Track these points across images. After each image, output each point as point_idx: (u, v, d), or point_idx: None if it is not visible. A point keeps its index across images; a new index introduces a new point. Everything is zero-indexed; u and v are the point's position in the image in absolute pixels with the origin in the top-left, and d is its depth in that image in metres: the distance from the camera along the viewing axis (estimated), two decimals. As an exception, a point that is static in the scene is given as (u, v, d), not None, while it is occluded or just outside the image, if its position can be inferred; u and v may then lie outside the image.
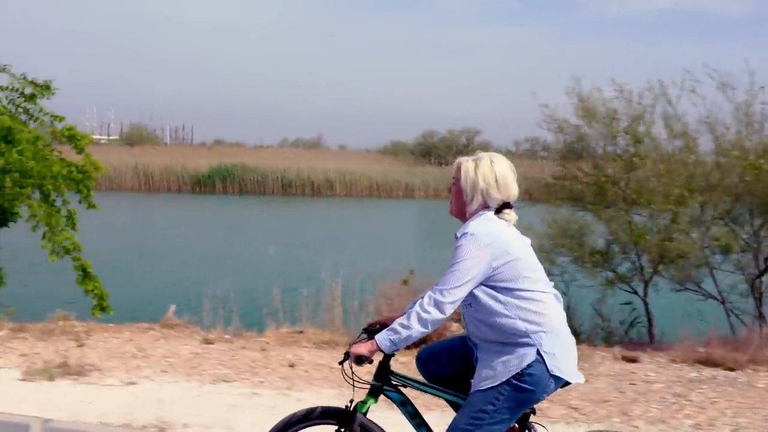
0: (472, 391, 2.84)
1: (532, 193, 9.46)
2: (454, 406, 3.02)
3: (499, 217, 2.85)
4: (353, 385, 2.94)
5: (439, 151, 52.84)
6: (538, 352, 2.72)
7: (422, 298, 2.77)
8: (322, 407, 3.03)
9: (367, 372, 2.95)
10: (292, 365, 5.96)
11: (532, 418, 2.99)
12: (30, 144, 8.76)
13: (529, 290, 2.78)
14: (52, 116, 9.46)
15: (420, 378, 3.12)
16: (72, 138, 9.41)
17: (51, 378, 5.33)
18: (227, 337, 7.24)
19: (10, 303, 9.91)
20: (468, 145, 53.43)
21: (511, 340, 2.76)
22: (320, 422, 2.99)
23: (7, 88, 9.32)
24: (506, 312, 2.75)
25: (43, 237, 8.85)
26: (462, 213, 2.93)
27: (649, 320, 8.99)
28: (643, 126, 8.37)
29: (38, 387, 5.17)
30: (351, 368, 2.89)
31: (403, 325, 2.74)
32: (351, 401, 2.94)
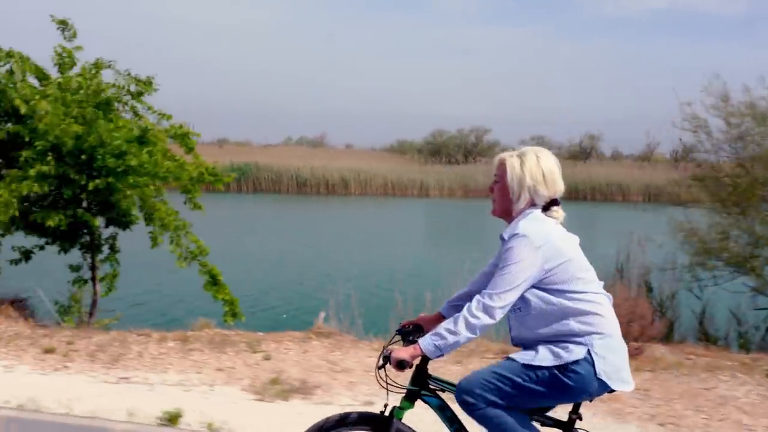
0: (507, 356, 2.74)
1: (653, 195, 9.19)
2: None
3: (546, 215, 2.73)
4: (387, 389, 2.81)
5: (449, 150, 52.55)
6: (589, 353, 2.61)
7: (470, 302, 2.63)
8: (358, 412, 2.93)
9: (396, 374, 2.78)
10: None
11: (578, 424, 2.81)
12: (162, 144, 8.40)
13: (582, 292, 2.66)
14: (159, 114, 9.07)
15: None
16: (184, 137, 9.03)
17: (285, 398, 4.96)
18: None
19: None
20: (477, 144, 53.33)
21: (561, 339, 2.65)
22: (355, 428, 2.89)
23: (113, 85, 8.94)
24: (559, 315, 2.63)
25: (171, 241, 8.48)
26: (507, 212, 2.80)
27: (791, 325, 8.77)
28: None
29: (279, 408, 4.80)
30: (385, 372, 2.79)
31: (449, 331, 2.61)
32: (385, 406, 2.84)
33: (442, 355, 2.65)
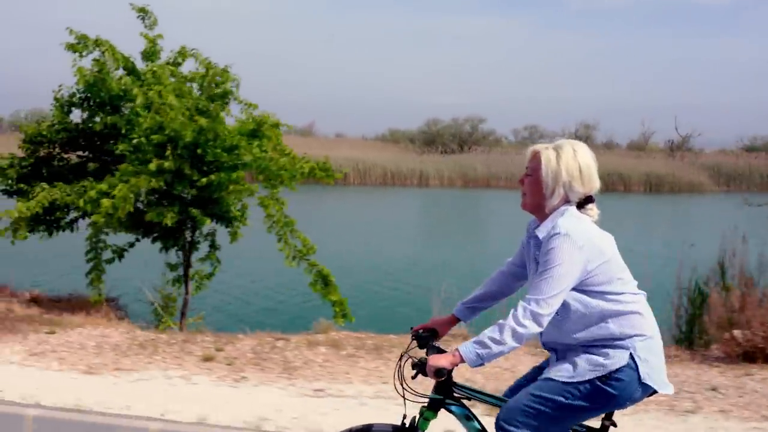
0: (543, 377, 2.58)
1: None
2: None
3: (581, 213, 2.58)
4: (404, 397, 2.66)
5: (444, 139, 52.35)
6: (631, 357, 2.48)
7: (515, 309, 2.46)
8: (380, 424, 2.83)
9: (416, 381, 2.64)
10: (714, 388, 5.35)
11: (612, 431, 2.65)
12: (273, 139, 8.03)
13: (622, 293, 2.53)
14: (246, 104, 8.72)
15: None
16: (275, 127, 8.67)
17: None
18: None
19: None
20: (473, 134, 53.23)
21: (601, 344, 2.52)
22: None
23: (199, 75, 8.57)
24: (598, 318, 2.50)
25: (279, 240, 8.15)
26: (539, 207, 2.62)
27: None
28: None
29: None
30: (402, 378, 2.68)
31: (494, 340, 2.43)
32: (404, 416, 2.70)
33: (483, 364, 2.48)
